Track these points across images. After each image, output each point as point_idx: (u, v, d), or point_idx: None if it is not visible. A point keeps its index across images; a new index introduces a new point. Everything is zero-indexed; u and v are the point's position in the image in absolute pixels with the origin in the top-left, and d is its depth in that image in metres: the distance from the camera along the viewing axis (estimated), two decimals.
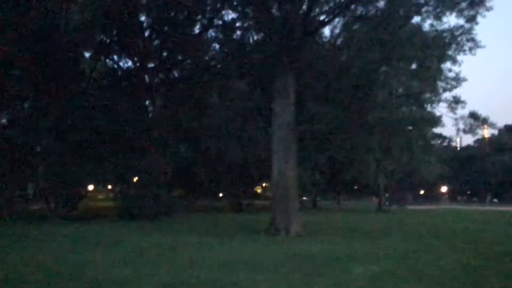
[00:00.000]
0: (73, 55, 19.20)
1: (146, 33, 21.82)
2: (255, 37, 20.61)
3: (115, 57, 22.22)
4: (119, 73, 22.31)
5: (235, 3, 18.45)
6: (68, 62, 18.66)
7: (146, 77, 22.50)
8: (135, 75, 21.98)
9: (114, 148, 18.65)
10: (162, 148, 19.53)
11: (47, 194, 20.18)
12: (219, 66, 21.48)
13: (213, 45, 22.35)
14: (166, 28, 21.37)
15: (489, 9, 14.05)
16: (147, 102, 22.48)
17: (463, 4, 14.10)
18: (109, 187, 29.72)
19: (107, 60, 22.25)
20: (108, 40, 21.11)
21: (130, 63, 22.69)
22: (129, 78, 22.28)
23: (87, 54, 21.64)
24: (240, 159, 20.06)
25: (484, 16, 14.24)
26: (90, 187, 26.81)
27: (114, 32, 20.58)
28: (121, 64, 22.62)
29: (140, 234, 13.19)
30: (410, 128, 16.73)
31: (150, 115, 22.07)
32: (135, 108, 19.92)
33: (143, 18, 21.05)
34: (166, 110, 21.79)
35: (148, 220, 18.01)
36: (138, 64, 22.07)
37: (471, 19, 14.50)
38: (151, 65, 22.61)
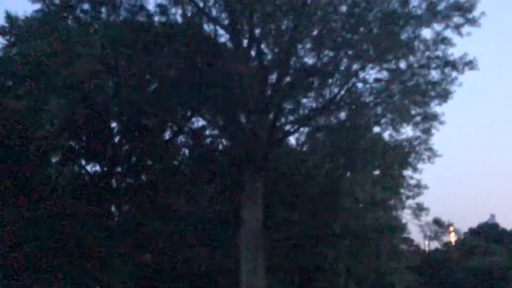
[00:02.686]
0: (40, 162, 19.01)
1: (116, 139, 22.07)
2: (224, 143, 21.24)
3: (83, 161, 22.10)
4: (86, 178, 22.02)
5: (204, 112, 19.26)
6: (34, 169, 18.40)
7: (114, 181, 22.26)
8: (102, 180, 21.71)
9: (73, 260, 17.67)
10: (125, 257, 18.65)
11: None
12: (188, 171, 21.62)
13: (183, 150, 22.75)
14: (136, 134, 21.73)
15: (442, 123, 15.21)
16: (113, 208, 21.94)
17: (418, 118, 15.22)
18: None
19: (74, 165, 22.07)
20: (76, 146, 21.16)
21: (97, 168, 22.55)
22: (96, 183, 21.95)
23: (54, 159, 21.46)
24: (207, 269, 19.27)
25: (438, 130, 15.34)
26: None
27: (83, 138, 20.74)
28: (88, 168, 22.43)
29: None
30: (377, 236, 16.87)
31: (115, 220, 21.42)
32: (100, 215, 19.34)
33: (113, 125, 21.45)
34: (132, 216, 21.23)
35: None
36: (106, 169, 21.94)
37: (426, 131, 15.56)
38: (119, 169, 22.51)
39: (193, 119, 20.93)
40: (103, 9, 17.40)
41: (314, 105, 16.81)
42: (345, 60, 16.20)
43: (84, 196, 20.60)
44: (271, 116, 17.14)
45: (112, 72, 17.70)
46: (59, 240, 17.65)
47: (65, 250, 17.85)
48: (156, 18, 17.98)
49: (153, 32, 17.36)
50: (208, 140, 20.76)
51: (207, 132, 20.48)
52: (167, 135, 22.19)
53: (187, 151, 22.35)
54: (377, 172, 18.67)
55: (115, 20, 17.28)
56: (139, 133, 21.51)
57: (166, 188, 21.50)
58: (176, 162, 22.44)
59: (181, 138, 22.16)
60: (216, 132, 20.27)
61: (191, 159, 21.86)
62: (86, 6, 17.41)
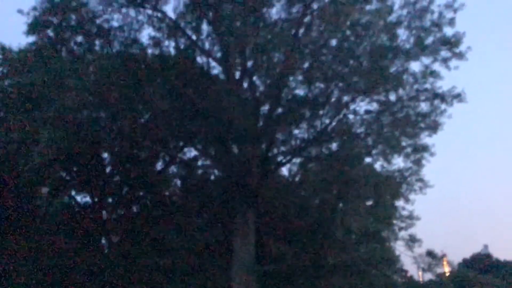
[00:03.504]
0: (30, 194, 18.78)
1: (107, 169, 21.95)
2: (216, 174, 21.18)
3: (73, 192, 21.88)
4: (76, 209, 21.75)
5: (196, 142, 19.29)
6: (24, 201, 18.16)
7: (104, 213, 22.00)
8: (93, 211, 21.46)
9: None
10: None
11: None
12: (179, 201, 21.46)
13: (174, 180, 22.64)
14: (127, 165, 21.63)
15: (432, 154, 15.35)
16: (102, 240, 21.60)
17: (409, 149, 15.36)
18: None
19: (64, 197, 21.82)
20: (67, 177, 20.99)
21: (88, 198, 22.31)
22: (86, 214, 21.68)
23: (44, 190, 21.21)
24: None
25: (429, 161, 15.47)
26: None
27: (75, 169, 20.60)
28: (78, 199, 22.20)
29: None
30: (371, 268, 16.69)
31: (105, 252, 21.05)
32: (89, 248, 19.00)
33: (105, 155, 21.37)
34: (122, 248, 20.87)
35: None
36: (96, 200, 21.71)
37: (417, 163, 15.67)
38: (110, 200, 22.30)
39: (185, 150, 20.99)
40: (97, 42, 17.63)
41: (306, 136, 16.93)
42: (335, 92, 16.44)
43: (73, 227, 20.30)
44: (263, 146, 17.20)
45: (104, 103, 17.76)
46: (47, 274, 17.25)
47: (53, 285, 17.44)
48: (150, 51, 18.29)
49: (146, 64, 17.56)
50: (200, 171, 20.70)
51: (199, 163, 20.48)
52: (159, 165, 22.14)
53: (179, 182, 22.24)
54: (369, 203, 18.64)
55: (108, 52, 17.48)
56: (131, 163, 21.43)
57: (157, 220, 21.27)
58: (167, 193, 22.29)
59: (173, 169, 22.11)
60: (208, 162, 20.26)
61: (183, 190, 21.74)
62: (80, 38, 17.64)
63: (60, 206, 21.15)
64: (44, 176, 18.51)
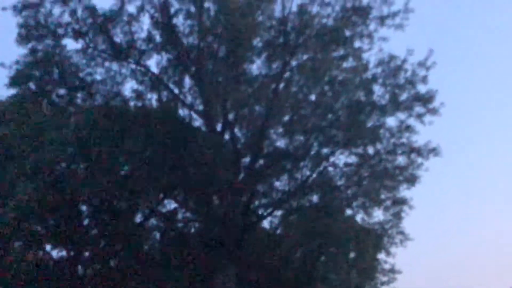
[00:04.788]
0: (2, 249, 18.07)
1: (85, 222, 21.38)
2: (197, 227, 20.86)
3: (48, 246, 21.11)
4: (50, 263, 20.91)
5: (176, 194, 19.15)
6: None
7: (80, 267, 21.20)
8: (68, 266, 20.65)
9: None
10: None
11: None
12: (159, 256, 20.86)
13: (154, 233, 22.11)
14: (106, 217, 21.14)
15: (411, 207, 15.53)
16: None
17: (388, 202, 15.52)
18: None
19: (38, 250, 21.02)
20: (42, 231, 20.34)
21: (63, 253, 21.54)
22: (61, 269, 20.84)
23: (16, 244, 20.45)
24: None
25: (408, 214, 15.63)
26: None
27: (50, 222, 20.02)
28: (54, 254, 21.39)
29: None
30: None
31: None
32: None
33: (83, 208, 20.90)
34: None
35: None
36: (72, 254, 20.97)
37: (397, 215, 15.80)
38: (86, 254, 21.55)
39: (165, 202, 20.71)
40: (79, 94, 17.77)
41: (287, 188, 16.98)
42: (315, 145, 16.72)
43: (47, 284, 19.45)
44: (244, 199, 17.16)
45: (84, 155, 17.64)
46: None
47: None
48: (132, 103, 18.48)
49: (127, 116, 17.67)
50: (180, 224, 20.36)
51: (179, 215, 20.18)
52: (139, 218, 21.69)
53: (158, 235, 21.74)
54: (352, 256, 18.49)
55: (90, 105, 17.59)
56: (110, 216, 20.96)
57: (136, 275, 20.57)
58: (146, 247, 21.70)
59: (153, 221, 21.66)
60: (188, 215, 20.00)
61: (163, 243, 21.23)
62: (62, 91, 17.76)
63: (33, 261, 20.35)
64: (17, 230, 17.95)
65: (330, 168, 16.33)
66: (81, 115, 16.82)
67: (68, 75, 17.22)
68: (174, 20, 17.44)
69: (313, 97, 16.49)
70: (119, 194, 18.46)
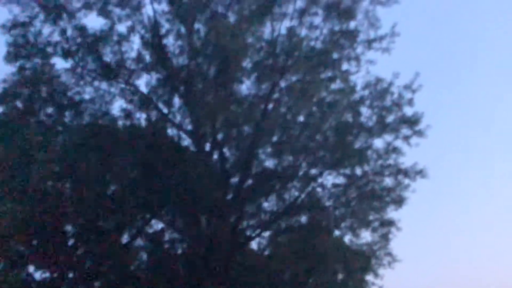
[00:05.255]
0: None
1: (70, 242, 21.01)
2: (184, 247, 20.63)
3: (32, 267, 20.65)
4: (33, 286, 20.41)
5: (164, 214, 18.97)
6: None
7: None
8: (51, 287, 20.18)
9: None
10: None
11: None
12: (145, 277, 20.53)
13: (140, 254, 21.79)
14: (92, 237, 20.82)
15: (399, 229, 15.58)
16: None
17: (376, 224, 15.55)
18: None
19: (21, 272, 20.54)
20: (26, 252, 19.92)
21: (47, 274, 21.07)
22: None
23: None
24: None
25: (395, 236, 15.66)
26: None
27: (35, 242, 19.62)
28: (37, 275, 20.90)
29: None
30: None
31: None
32: None
33: (68, 227, 20.56)
34: None
35: None
36: (56, 275, 20.52)
37: (384, 237, 15.82)
38: (71, 275, 21.10)
39: (153, 222, 20.47)
40: (67, 113, 17.67)
41: (275, 208, 16.94)
42: (304, 165, 16.78)
43: None
44: (232, 220, 17.05)
45: (70, 174, 17.46)
46: None
47: None
48: (120, 122, 18.42)
49: (116, 135, 17.59)
50: (167, 245, 20.11)
51: (167, 236, 19.94)
52: (125, 238, 21.38)
53: (145, 256, 21.42)
54: (340, 277, 18.38)
55: (78, 124, 17.49)
56: (96, 236, 20.64)
57: None
58: (133, 267, 21.34)
59: (140, 242, 21.36)
60: (175, 235, 19.78)
61: (149, 264, 20.91)
62: (50, 110, 17.65)
63: (15, 283, 19.87)
64: (1, 250, 17.57)
65: (319, 189, 16.37)
66: (69, 133, 16.71)
67: (57, 93, 17.15)
68: (164, 41, 17.60)
69: (301, 118, 16.64)
70: (106, 213, 18.24)
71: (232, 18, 17.14)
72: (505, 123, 43.46)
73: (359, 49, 15.97)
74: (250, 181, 17.48)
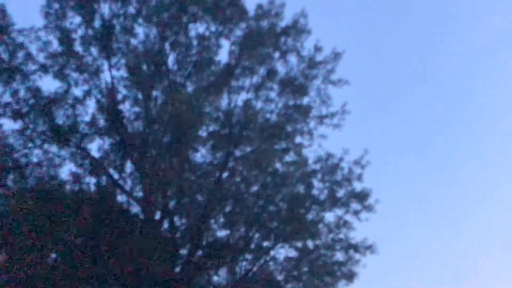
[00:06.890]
0: None
1: None
2: None
3: None
4: None
5: (108, 285, 17.83)
6: None
7: None
8: None
9: None
10: None
11: None
12: None
13: None
14: None
15: None
16: None
17: None
18: None
19: None
20: None
21: None
22: None
23: None
24: None
25: None
26: None
27: None
28: None
29: None
30: None
31: None
32: None
33: None
34: None
35: None
36: None
37: None
38: None
39: None
40: (11, 176, 16.83)
41: (225, 282, 16.33)
42: (256, 237, 16.51)
43: None
44: None
45: (5, 243, 16.28)
46: None
47: None
48: (68, 186, 17.69)
49: (61, 200, 16.80)
50: None
51: None
52: None
53: None
54: None
55: (22, 188, 16.63)
56: None
57: None
58: None
59: None
60: None
61: None
62: None
63: None
64: None
65: (271, 262, 16.02)
66: (11, 198, 15.81)
67: (1, 155, 16.40)
68: (121, 106, 17.53)
69: (255, 188, 16.61)
70: (43, 286, 16.89)
71: (190, 88, 17.45)
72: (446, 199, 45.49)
73: (311, 124, 16.58)
74: (200, 252, 16.92)
